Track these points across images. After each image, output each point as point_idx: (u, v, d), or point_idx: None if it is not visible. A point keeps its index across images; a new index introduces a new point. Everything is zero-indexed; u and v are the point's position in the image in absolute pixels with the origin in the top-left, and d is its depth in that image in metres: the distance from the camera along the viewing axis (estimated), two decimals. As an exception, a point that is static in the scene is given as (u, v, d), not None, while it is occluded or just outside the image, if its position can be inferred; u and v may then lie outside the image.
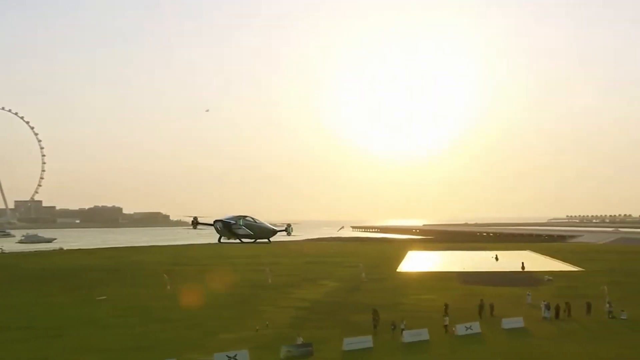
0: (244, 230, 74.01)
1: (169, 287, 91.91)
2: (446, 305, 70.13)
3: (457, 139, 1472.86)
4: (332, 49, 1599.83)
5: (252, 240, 77.96)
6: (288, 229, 76.91)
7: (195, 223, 72.86)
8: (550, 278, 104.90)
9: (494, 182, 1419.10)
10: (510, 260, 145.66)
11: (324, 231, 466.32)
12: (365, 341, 53.79)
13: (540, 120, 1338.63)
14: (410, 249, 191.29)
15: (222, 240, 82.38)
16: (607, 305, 69.01)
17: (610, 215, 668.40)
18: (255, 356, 49.23)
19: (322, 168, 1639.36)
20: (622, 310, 67.42)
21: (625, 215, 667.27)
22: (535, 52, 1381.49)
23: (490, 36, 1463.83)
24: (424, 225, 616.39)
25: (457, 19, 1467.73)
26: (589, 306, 69.49)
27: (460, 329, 58.92)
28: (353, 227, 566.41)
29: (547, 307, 68.26)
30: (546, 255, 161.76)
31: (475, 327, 59.72)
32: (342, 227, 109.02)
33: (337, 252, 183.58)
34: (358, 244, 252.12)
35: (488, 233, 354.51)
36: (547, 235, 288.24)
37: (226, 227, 72.27)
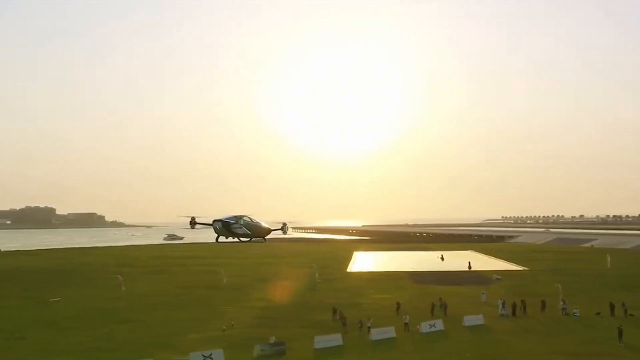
0: (243, 230, 74.37)
1: (123, 289, 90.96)
2: (398, 304, 71.86)
3: (395, 140, 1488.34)
4: (272, 48, 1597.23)
5: (248, 239, 78.49)
6: (284, 228, 77.69)
7: (193, 223, 72.76)
8: (499, 277, 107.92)
9: (431, 184, 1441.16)
10: (455, 260, 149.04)
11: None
12: (335, 339, 54.64)
13: (475, 123, 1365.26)
14: (356, 250, 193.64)
15: (219, 240, 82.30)
16: (561, 302, 71.62)
17: (544, 216, 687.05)
18: (228, 355, 49.42)
19: (259, 168, 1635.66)
20: (576, 308, 70.04)
21: (557, 216, 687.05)
22: (470, 56, 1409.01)
23: (428, 40, 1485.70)
24: (363, 226, 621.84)
25: (394, 22, 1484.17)
26: (543, 304, 71.97)
27: (424, 327, 60.36)
28: (293, 228, 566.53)
29: (504, 305, 70.50)
30: (488, 255, 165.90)
31: (439, 324, 61.31)
32: (284, 227, 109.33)
33: (285, 252, 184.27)
34: (303, 244, 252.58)
35: (428, 234, 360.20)
36: (486, 236, 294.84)
37: (225, 226, 72.62)
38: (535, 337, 58.08)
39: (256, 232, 74.90)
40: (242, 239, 77.59)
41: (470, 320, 63.84)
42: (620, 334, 54.75)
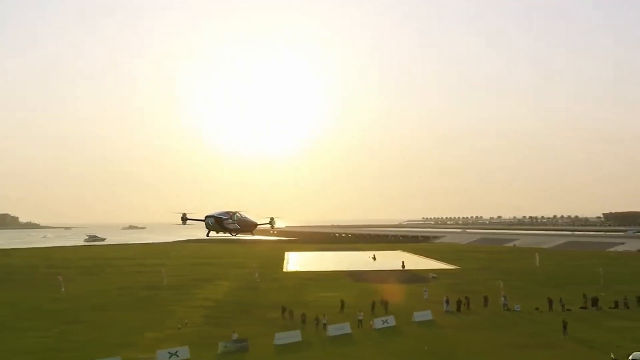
0: (234, 225, 74.41)
1: (63, 289, 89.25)
2: (342, 302, 73.31)
3: (315, 141, 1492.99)
4: (190, 48, 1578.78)
5: (236, 233, 79.49)
6: (272, 222, 78.11)
7: (184, 219, 72.28)
8: (435, 275, 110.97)
9: (351, 185, 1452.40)
10: (387, 260, 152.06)
11: (186, 233, 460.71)
12: (294, 336, 55.55)
13: (395, 125, 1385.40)
14: (286, 250, 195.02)
15: (209, 235, 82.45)
16: (503, 298, 74.59)
17: (464, 217, 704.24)
18: (191, 353, 49.61)
19: (179, 169, 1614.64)
20: (517, 304, 73.10)
21: (477, 217, 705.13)
22: (390, 58, 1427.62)
23: (349, 41, 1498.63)
24: (286, 227, 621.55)
25: (316, 23, 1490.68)
26: (485, 300, 74.82)
27: (377, 323, 61.97)
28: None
29: (448, 302, 72.92)
30: (418, 254, 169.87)
31: (391, 320, 63.00)
32: (272, 221, 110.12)
33: (216, 253, 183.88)
34: (231, 245, 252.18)
35: (350, 234, 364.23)
36: (411, 236, 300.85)
37: (218, 222, 72.70)
38: (483, 331, 60.41)
39: (245, 226, 75.98)
40: (233, 233, 78.50)
41: (420, 316, 65.90)
42: (564, 326, 57.72)
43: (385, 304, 72.31)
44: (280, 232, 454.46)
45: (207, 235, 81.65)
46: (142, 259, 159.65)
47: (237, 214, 77.44)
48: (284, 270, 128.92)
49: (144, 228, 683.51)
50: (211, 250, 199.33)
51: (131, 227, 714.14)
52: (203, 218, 76.64)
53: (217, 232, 78.92)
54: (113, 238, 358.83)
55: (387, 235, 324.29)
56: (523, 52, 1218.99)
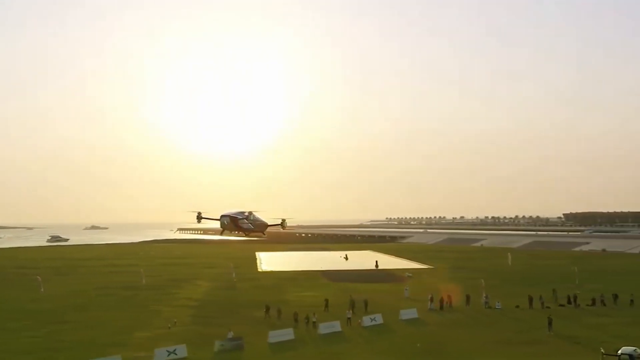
0: (248, 225, 74.32)
1: (42, 290, 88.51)
2: (326, 301, 74.06)
3: (277, 141, 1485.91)
4: (155, 47, 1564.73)
5: (248, 234, 79.83)
6: (283, 223, 78.15)
7: (199, 218, 72.17)
8: (411, 275, 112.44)
9: (314, 185, 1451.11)
10: (359, 260, 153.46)
11: (151, 233, 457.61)
12: (287, 334, 56.13)
13: (358, 126, 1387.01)
14: (255, 250, 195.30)
15: (223, 235, 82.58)
16: (484, 296, 76.12)
17: (427, 217, 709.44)
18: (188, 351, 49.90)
19: (143, 169, 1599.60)
20: (498, 301, 74.64)
21: (440, 217, 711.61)
22: (355, 59, 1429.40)
23: (315, 41, 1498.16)
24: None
25: (281, 22, 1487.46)
26: (468, 298, 76.25)
27: (366, 321, 62.89)
28: (180, 230, 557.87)
29: (432, 300, 74.21)
30: (388, 254, 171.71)
31: (379, 318, 63.93)
32: (283, 222, 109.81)
33: (185, 254, 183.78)
34: (199, 246, 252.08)
35: (318, 234, 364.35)
36: (378, 236, 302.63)
37: (233, 221, 72.45)
38: (469, 328, 61.63)
39: (258, 226, 76.40)
40: (247, 233, 79.01)
41: (406, 314, 67.01)
42: (550, 323, 59.27)
43: (365, 303, 73.04)
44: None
45: (221, 234, 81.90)
46: (113, 260, 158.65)
47: (253, 214, 77.72)
48: (259, 270, 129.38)
49: (106, 228, 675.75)
50: (179, 251, 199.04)
51: (93, 227, 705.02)
52: (218, 217, 76.64)
53: (231, 232, 79.05)
54: (76, 238, 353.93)
55: (354, 236, 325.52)
56: (485, 52, 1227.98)
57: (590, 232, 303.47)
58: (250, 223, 77.01)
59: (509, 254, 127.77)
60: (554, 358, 48.68)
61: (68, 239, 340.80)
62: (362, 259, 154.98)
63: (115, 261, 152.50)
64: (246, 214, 76.91)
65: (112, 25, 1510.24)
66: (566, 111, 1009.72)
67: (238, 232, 79.14)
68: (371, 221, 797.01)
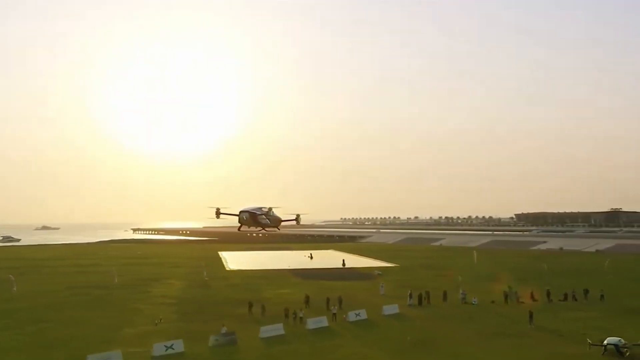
0: (265, 220, 74.86)
1: (15, 289, 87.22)
2: (307, 297, 74.85)
3: (230, 140, 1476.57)
4: (106, 46, 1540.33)
5: (266, 229, 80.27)
6: (298, 218, 79.07)
7: (218, 213, 72.07)
8: (380, 273, 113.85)
9: (269, 185, 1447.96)
10: (324, 259, 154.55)
11: (105, 234, 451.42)
12: (277, 329, 56.68)
13: (309, 124, 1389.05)
14: (215, 250, 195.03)
15: (241, 229, 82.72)
16: (461, 292, 77.80)
17: (381, 218, 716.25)
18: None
19: (94, 169, 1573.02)
20: (474, 297, 76.34)
21: (394, 217, 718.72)
22: (308, 59, 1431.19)
23: (267, 40, 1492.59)
24: (204, 227, 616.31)
25: (232, 21, 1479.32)
26: (445, 294, 77.86)
27: (351, 316, 63.80)
28: (134, 230, 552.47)
29: (411, 296, 75.55)
30: (351, 253, 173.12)
31: (363, 314, 64.89)
32: (298, 218, 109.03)
33: (146, 254, 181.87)
34: (160, 246, 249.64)
35: (270, 234, 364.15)
36: (337, 236, 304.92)
37: (252, 217, 72.89)
38: (451, 322, 62.95)
39: (274, 222, 77.21)
40: (265, 228, 79.47)
41: (389, 309, 68.20)
42: (530, 317, 61.07)
43: (340, 300, 73.81)
44: (198, 232, 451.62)
45: (239, 229, 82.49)
46: (75, 260, 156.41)
47: (272, 210, 78.45)
48: (227, 269, 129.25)
49: (58, 229, 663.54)
50: (140, 251, 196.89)
51: (44, 227, 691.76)
52: (237, 213, 76.98)
53: (249, 227, 79.61)
54: (29, 239, 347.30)
55: (312, 235, 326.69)
56: (439, 52, 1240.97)
57: (538, 232, 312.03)
58: (268, 218, 77.67)
59: (474, 252, 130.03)
60: (541, 349, 50.15)
61: (20, 239, 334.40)
62: (327, 258, 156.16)
63: (78, 261, 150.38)
64: (265, 209, 77.60)
65: (63, 24, 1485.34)
66: (519, 112, 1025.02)
67: (256, 227, 79.75)
68: (325, 221, 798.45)
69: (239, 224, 78.42)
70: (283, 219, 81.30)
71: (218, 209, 75.33)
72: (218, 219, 77.80)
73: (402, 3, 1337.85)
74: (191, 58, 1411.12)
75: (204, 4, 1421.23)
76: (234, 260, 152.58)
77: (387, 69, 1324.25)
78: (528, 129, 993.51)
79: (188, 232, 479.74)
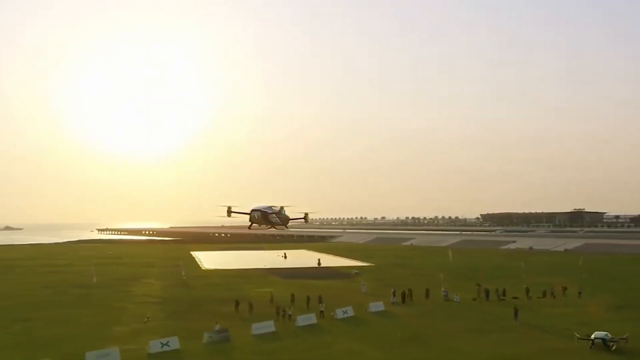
0: (276, 219, 75.69)
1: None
2: (292, 295, 75.34)
3: (196, 140, 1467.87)
4: (68, 46, 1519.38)
5: (269, 227, 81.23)
6: (306, 217, 79.79)
7: (229, 212, 72.61)
8: (358, 272, 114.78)
9: (233, 184, 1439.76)
10: (298, 258, 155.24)
11: (70, 234, 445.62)
12: (268, 326, 57.05)
13: (278, 125, 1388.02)
14: (190, 250, 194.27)
15: (252, 228, 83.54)
16: (443, 290, 79.00)
17: (348, 218, 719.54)
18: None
19: (57, 170, 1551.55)
20: (456, 295, 77.57)
21: (361, 217, 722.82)
22: (271, 59, 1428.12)
23: (229, 40, 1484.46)
24: (170, 227, 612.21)
25: (196, 21, 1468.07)
26: (427, 292, 78.98)
27: (339, 313, 64.46)
28: (99, 230, 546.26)
29: (394, 294, 76.48)
30: (323, 252, 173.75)
31: (350, 311, 65.63)
32: (306, 216, 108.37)
33: (117, 254, 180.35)
34: (129, 246, 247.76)
35: (238, 234, 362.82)
36: (307, 236, 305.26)
37: (264, 216, 73.68)
38: (437, 319, 63.97)
39: (283, 220, 78.37)
40: (276, 227, 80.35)
41: (374, 307, 69.06)
42: (516, 313, 62.36)
43: (320, 298, 74.31)
44: (164, 233, 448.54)
45: (250, 227, 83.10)
46: (46, 260, 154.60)
47: (284, 208, 79.09)
48: (203, 268, 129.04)
49: (21, 229, 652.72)
50: (110, 251, 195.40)
51: (7, 228, 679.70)
52: (248, 212, 77.44)
53: (260, 225, 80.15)
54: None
55: (282, 235, 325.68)
56: (405, 51, 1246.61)
57: (501, 232, 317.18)
58: (278, 217, 78.42)
59: (449, 251, 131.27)
60: (531, 344, 51.23)
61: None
62: (301, 258, 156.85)
63: (50, 261, 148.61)
64: (277, 208, 78.36)
65: (24, 21, 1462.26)
66: (484, 113, 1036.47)
67: (266, 225, 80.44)
68: (290, 220, 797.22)
69: (250, 222, 79.03)
70: (291, 217, 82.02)
71: (229, 208, 75.85)
72: (229, 217, 78.33)
73: (370, 2, 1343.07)
74: (156, 58, 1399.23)
75: (169, 4, 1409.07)
76: (209, 260, 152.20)
77: (353, 69, 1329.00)
78: (494, 130, 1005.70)
79: (153, 232, 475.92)
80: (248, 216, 79.71)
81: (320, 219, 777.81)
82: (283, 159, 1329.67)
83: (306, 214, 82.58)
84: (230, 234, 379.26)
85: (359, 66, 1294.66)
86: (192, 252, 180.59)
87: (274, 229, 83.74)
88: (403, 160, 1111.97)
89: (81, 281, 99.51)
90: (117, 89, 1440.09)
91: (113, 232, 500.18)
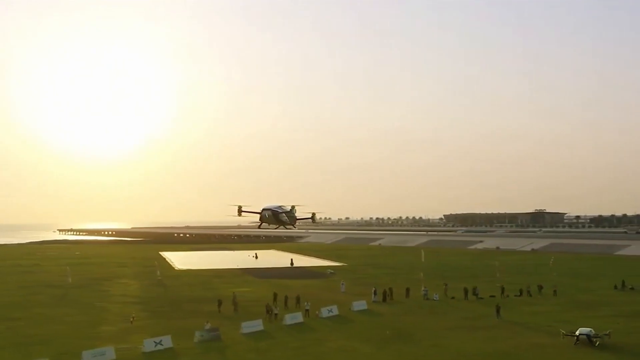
0: (285, 218, 76.12)
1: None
2: (275, 294, 75.67)
3: (156, 140, 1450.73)
4: (24, 42, 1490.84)
5: (278, 226, 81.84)
6: (314, 217, 79.96)
7: (240, 211, 72.68)
8: (333, 272, 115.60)
9: (194, 185, 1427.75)
10: (270, 258, 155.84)
11: (30, 235, 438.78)
12: (257, 325, 57.40)
13: (233, 127, 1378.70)
14: (157, 250, 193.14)
15: (261, 227, 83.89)
16: (423, 289, 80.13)
17: (321, 218, 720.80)
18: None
19: (13, 170, 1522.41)
20: (435, 293, 78.72)
21: (326, 218, 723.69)
22: (233, 56, 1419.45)
23: (188, 40, 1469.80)
24: (132, 228, 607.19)
25: (155, 21, 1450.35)
26: (407, 291, 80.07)
27: (324, 312, 65.00)
28: (60, 231, 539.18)
29: (376, 292, 77.38)
30: (294, 253, 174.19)
31: (335, 310, 66.23)
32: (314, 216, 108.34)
33: (88, 254, 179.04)
34: (95, 246, 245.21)
35: (203, 234, 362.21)
36: (274, 236, 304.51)
37: (274, 215, 74.01)
38: (420, 317, 64.93)
39: (292, 220, 78.76)
40: (286, 226, 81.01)
41: (358, 305, 69.82)
42: (498, 310, 63.70)
43: (298, 298, 74.71)
44: (127, 233, 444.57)
45: (259, 227, 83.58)
46: (14, 260, 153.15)
47: (294, 208, 79.60)
48: (176, 268, 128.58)
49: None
50: (77, 252, 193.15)
51: None
52: (258, 211, 77.74)
53: (269, 225, 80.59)
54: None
55: (249, 236, 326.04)
56: (368, 51, 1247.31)
57: (463, 232, 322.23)
58: (287, 216, 78.93)
59: (422, 251, 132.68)
60: (518, 339, 52.26)
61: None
62: (272, 258, 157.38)
63: (17, 261, 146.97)
64: (288, 208, 78.97)
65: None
66: (447, 113, 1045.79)
67: (276, 224, 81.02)
68: (254, 222, 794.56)
69: (260, 222, 79.53)
70: (299, 217, 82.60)
71: (240, 207, 76.30)
72: (240, 216, 78.95)
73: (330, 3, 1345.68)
74: (117, 58, 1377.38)
75: (129, 4, 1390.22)
76: (180, 260, 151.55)
77: (315, 69, 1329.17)
78: (455, 130, 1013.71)
79: (115, 232, 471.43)
80: (237, 215, 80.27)
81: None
82: (243, 158, 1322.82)
83: (313, 214, 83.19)
84: (194, 234, 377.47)
85: (320, 65, 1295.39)
86: (161, 253, 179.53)
87: (283, 228, 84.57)
88: (366, 161, 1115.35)
89: (56, 281, 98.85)
90: (76, 88, 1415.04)
91: (75, 233, 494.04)
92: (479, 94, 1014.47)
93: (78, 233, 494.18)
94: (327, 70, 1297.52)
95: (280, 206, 79.23)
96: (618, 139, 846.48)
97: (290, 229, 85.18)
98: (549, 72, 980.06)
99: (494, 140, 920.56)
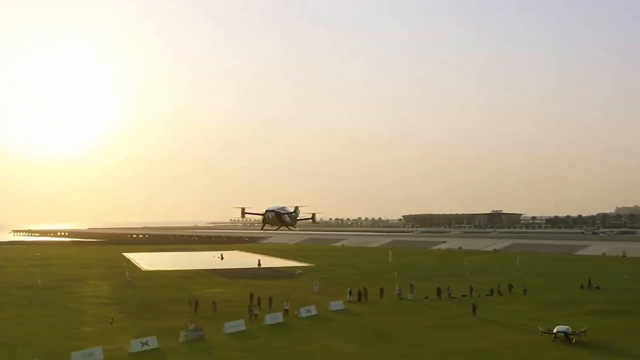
0: (288, 219, 75.98)
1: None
2: (251, 295, 75.88)
3: (109, 141, 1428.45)
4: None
5: (278, 227, 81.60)
6: (314, 217, 79.80)
7: (243, 213, 72.16)
8: (302, 272, 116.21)
9: (141, 186, 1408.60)
10: (236, 259, 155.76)
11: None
12: (239, 325, 57.75)
13: (192, 127, 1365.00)
14: (119, 251, 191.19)
15: (264, 228, 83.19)
16: (397, 289, 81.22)
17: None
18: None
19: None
20: (409, 293, 79.81)
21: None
22: (194, 56, 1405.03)
23: (146, 40, 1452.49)
24: (88, 228, 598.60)
25: (112, 20, 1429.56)
26: (381, 290, 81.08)
27: (302, 312, 65.63)
28: (15, 231, 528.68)
29: (351, 292, 78.22)
30: (260, 253, 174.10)
31: (313, 310, 66.90)
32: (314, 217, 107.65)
33: (48, 255, 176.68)
34: (54, 247, 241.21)
35: (158, 235, 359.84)
36: (235, 237, 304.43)
37: (278, 216, 73.65)
38: (398, 316, 65.95)
39: (293, 220, 78.96)
40: (288, 226, 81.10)
41: (335, 305, 70.55)
42: (474, 309, 65.08)
43: (270, 299, 74.90)
44: (84, 234, 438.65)
45: (262, 228, 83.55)
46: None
47: (298, 208, 79.77)
48: (143, 269, 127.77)
49: None
50: (37, 253, 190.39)
51: None
52: (261, 212, 77.58)
53: (272, 226, 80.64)
54: None
55: (209, 237, 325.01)
56: (322, 50, 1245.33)
57: (419, 233, 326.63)
58: (289, 217, 79.23)
59: (389, 251, 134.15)
60: (497, 338, 53.47)
61: None
62: (238, 258, 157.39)
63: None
64: (291, 209, 79.29)
65: None
66: (405, 113, 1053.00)
67: (279, 225, 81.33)
68: (212, 223, 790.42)
69: (262, 223, 79.71)
70: (299, 218, 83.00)
71: (243, 209, 76.57)
72: (243, 218, 79.29)
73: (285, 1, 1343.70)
74: (71, 57, 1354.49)
75: (86, 4, 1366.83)
76: (145, 261, 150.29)
77: (267, 67, 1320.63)
78: (413, 131, 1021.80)
79: (69, 233, 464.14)
80: (240, 217, 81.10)
81: (242, 220, 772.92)
82: (200, 158, 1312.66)
83: (313, 215, 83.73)
84: (154, 235, 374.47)
85: (273, 64, 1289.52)
86: (124, 254, 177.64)
87: (286, 228, 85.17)
88: (325, 160, 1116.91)
89: (24, 282, 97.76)
90: (29, 87, 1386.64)
91: (31, 234, 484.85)
92: (435, 95, 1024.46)
93: (34, 234, 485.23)
94: (279, 70, 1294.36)
95: (283, 207, 79.67)
96: (573, 138, 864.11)
97: (292, 229, 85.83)
98: (502, 71, 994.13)
99: (452, 142, 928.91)
